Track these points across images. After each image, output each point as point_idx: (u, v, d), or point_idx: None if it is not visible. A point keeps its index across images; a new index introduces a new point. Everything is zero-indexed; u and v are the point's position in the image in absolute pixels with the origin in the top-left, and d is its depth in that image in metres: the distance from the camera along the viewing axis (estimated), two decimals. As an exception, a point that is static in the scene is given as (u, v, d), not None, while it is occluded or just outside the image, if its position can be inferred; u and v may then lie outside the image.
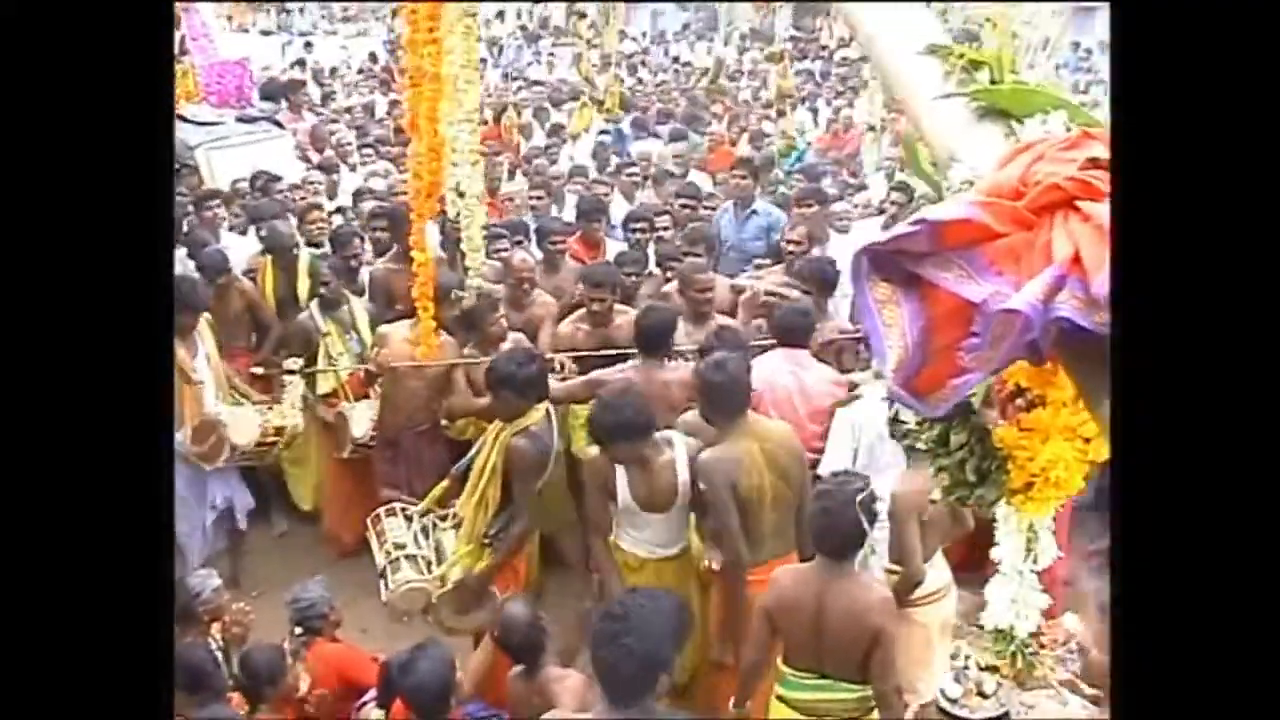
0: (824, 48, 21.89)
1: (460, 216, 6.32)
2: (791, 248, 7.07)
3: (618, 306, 6.37)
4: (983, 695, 3.97)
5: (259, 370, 6.93)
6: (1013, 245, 1.55)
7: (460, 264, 6.54)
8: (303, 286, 7.12)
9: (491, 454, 5.14)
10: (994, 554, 2.30)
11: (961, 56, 1.94)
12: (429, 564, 5.19)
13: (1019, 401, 1.87)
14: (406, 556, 5.20)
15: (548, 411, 5.18)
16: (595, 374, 5.68)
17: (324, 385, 6.82)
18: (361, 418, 6.46)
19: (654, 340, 5.56)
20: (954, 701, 3.91)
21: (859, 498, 4.02)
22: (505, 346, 5.97)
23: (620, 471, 4.80)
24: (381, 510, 5.49)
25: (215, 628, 4.85)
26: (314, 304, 6.82)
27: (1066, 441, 1.87)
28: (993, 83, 1.91)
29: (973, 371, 1.53)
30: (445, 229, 6.83)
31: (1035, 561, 2.26)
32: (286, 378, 6.79)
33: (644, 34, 24.43)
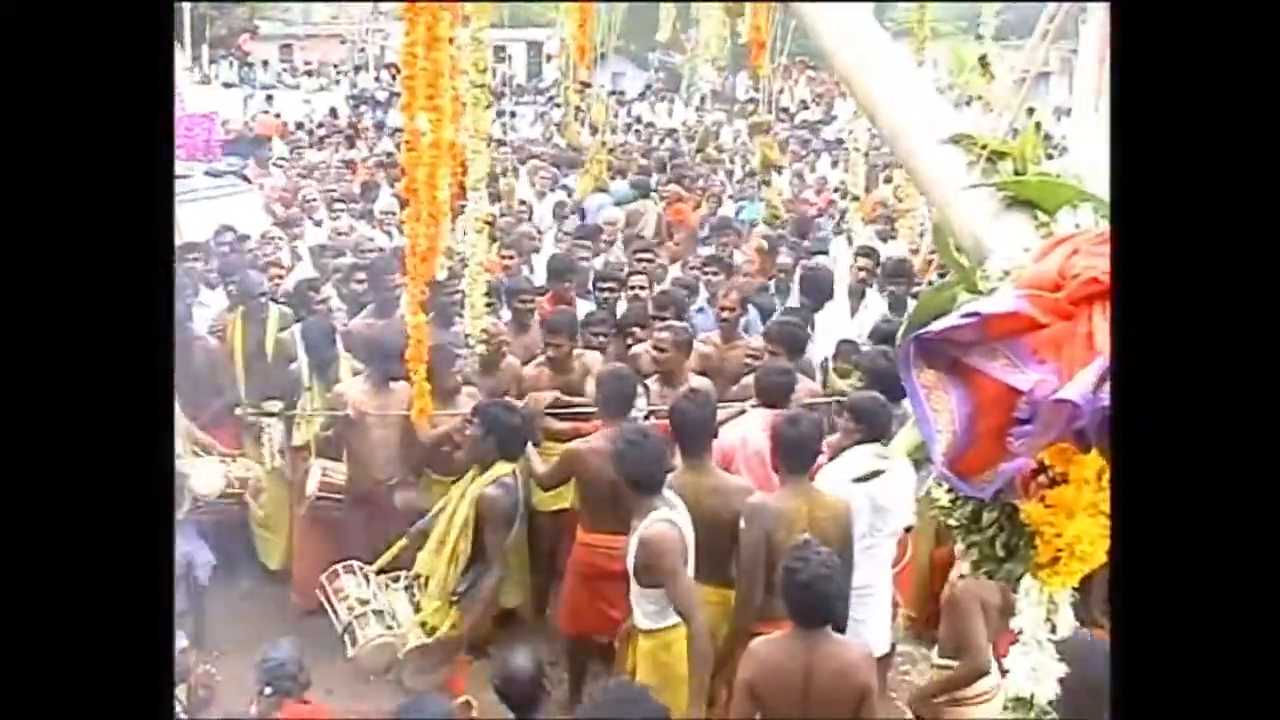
0: (784, 110, 22.23)
1: (465, 283, 6.43)
2: (724, 314, 7.17)
3: (581, 352, 6.53)
4: None
5: (239, 412, 6.86)
6: (1055, 335, 1.61)
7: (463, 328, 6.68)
8: (270, 342, 7.07)
9: (461, 506, 5.19)
10: (1014, 624, 2.33)
11: (985, 147, 1.99)
12: (393, 618, 5.20)
13: (1041, 479, 1.90)
14: (374, 612, 5.23)
15: (514, 470, 5.25)
16: (569, 450, 5.67)
17: (297, 438, 6.81)
18: (314, 475, 6.45)
19: (615, 403, 5.56)
20: None
21: (825, 569, 4.06)
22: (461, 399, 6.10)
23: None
24: (339, 567, 5.50)
25: (180, 690, 4.76)
26: (307, 360, 6.79)
27: (1090, 518, 1.90)
28: (1017, 174, 1.96)
29: (1021, 456, 1.58)
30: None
31: (1054, 631, 2.30)
32: (265, 424, 6.75)
33: (606, 91, 24.64)
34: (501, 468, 5.22)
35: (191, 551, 6.35)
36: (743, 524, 4.75)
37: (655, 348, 6.33)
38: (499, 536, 5.14)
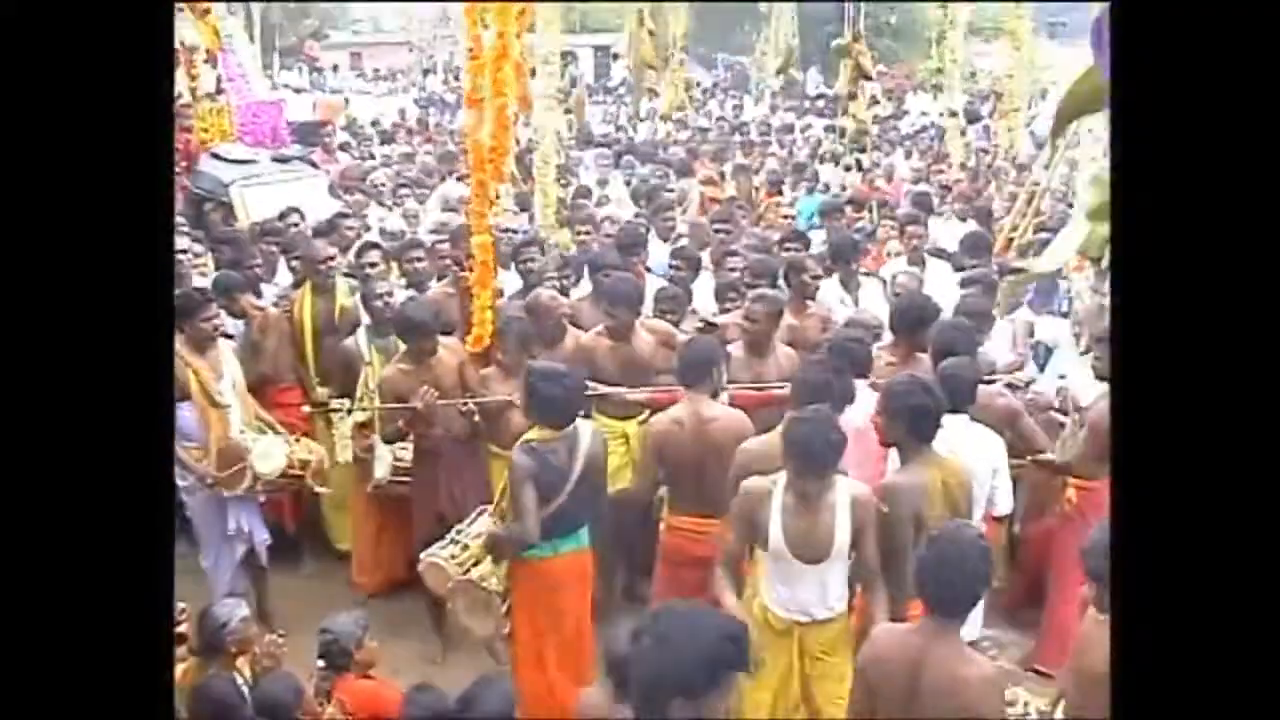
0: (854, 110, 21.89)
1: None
2: (806, 277, 6.92)
3: (650, 323, 6.32)
4: None
5: (307, 409, 6.73)
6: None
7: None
8: (338, 312, 6.95)
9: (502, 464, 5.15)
10: None
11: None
12: (465, 552, 5.23)
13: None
14: (454, 540, 5.31)
15: (569, 442, 5.03)
16: (649, 426, 5.46)
17: (360, 415, 6.59)
18: (384, 459, 6.33)
19: (696, 371, 5.30)
20: None
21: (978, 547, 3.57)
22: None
23: (778, 504, 4.38)
24: (481, 507, 5.54)
25: (243, 660, 4.61)
26: (361, 331, 6.64)
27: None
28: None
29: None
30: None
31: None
32: (334, 414, 6.59)
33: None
34: (537, 433, 5.00)
35: (253, 530, 6.21)
36: (885, 508, 4.42)
37: (747, 317, 6.08)
38: (522, 500, 4.91)
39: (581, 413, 5.31)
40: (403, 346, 6.17)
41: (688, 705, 2.70)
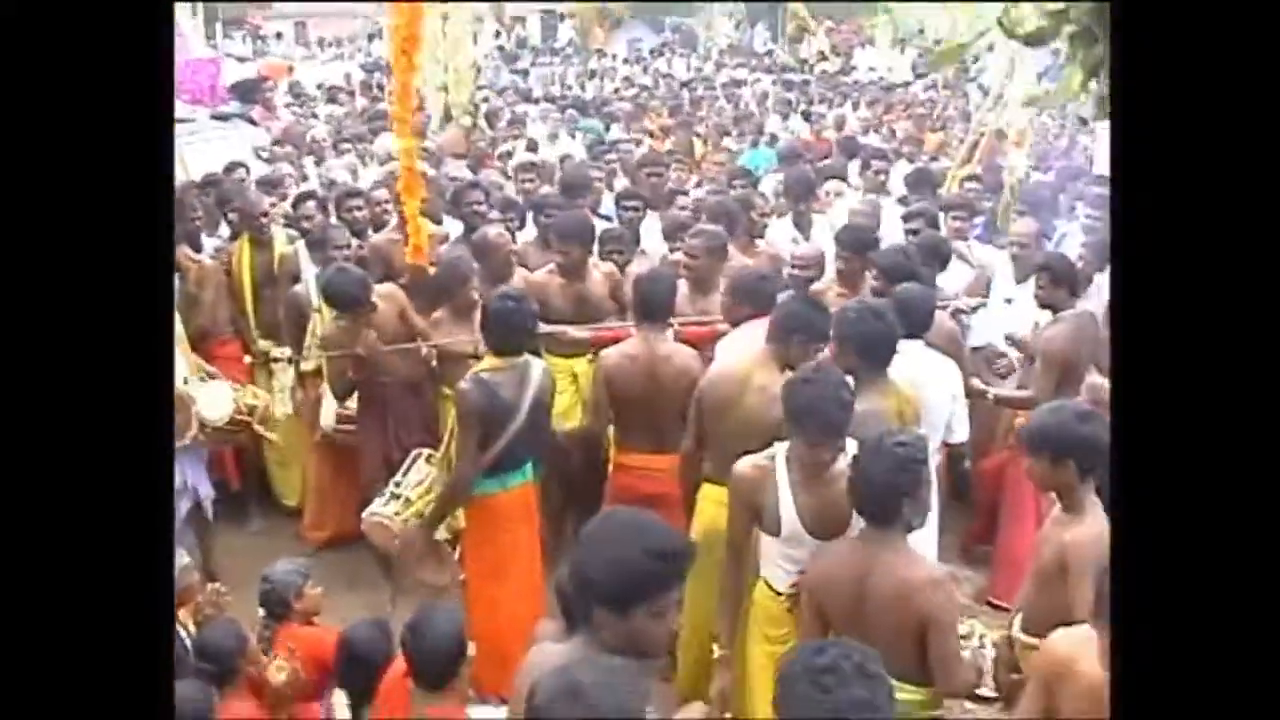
0: (803, 61, 21.91)
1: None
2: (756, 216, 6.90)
3: (598, 263, 6.23)
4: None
5: (249, 361, 6.64)
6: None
7: None
8: (276, 261, 6.83)
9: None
10: None
11: None
12: (408, 505, 5.07)
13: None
14: (394, 494, 5.15)
15: (519, 374, 4.93)
16: (601, 358, 5.32)
17: (307, 365, 6.54)
18: (329, 407, 6.24)
19: (653, 306, 5.19)
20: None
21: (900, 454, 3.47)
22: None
23: (784, 481, 3.91)
24: (416, 452, 5.39)
25: (184, 612, 4.50)
26: (312, 278, 6.48)
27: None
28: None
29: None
30: None
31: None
32: (275, 364, 6.49)
33: (616, 56, 24.37)
34: (489, 363, 4.92)
35: (197, 484, 6.07)
36: None
37: (688, 254, 6.01)
38: (467, 435, 4.81)
39: (531, 349, 5.23)
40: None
41: (611, 615, 2.58)
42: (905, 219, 6.91)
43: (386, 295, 6.07)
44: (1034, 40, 8.12)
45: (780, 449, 3.93)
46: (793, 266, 6.18)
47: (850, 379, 4.32)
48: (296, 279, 6.65)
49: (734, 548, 4.09)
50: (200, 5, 18.09)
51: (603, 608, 2.59)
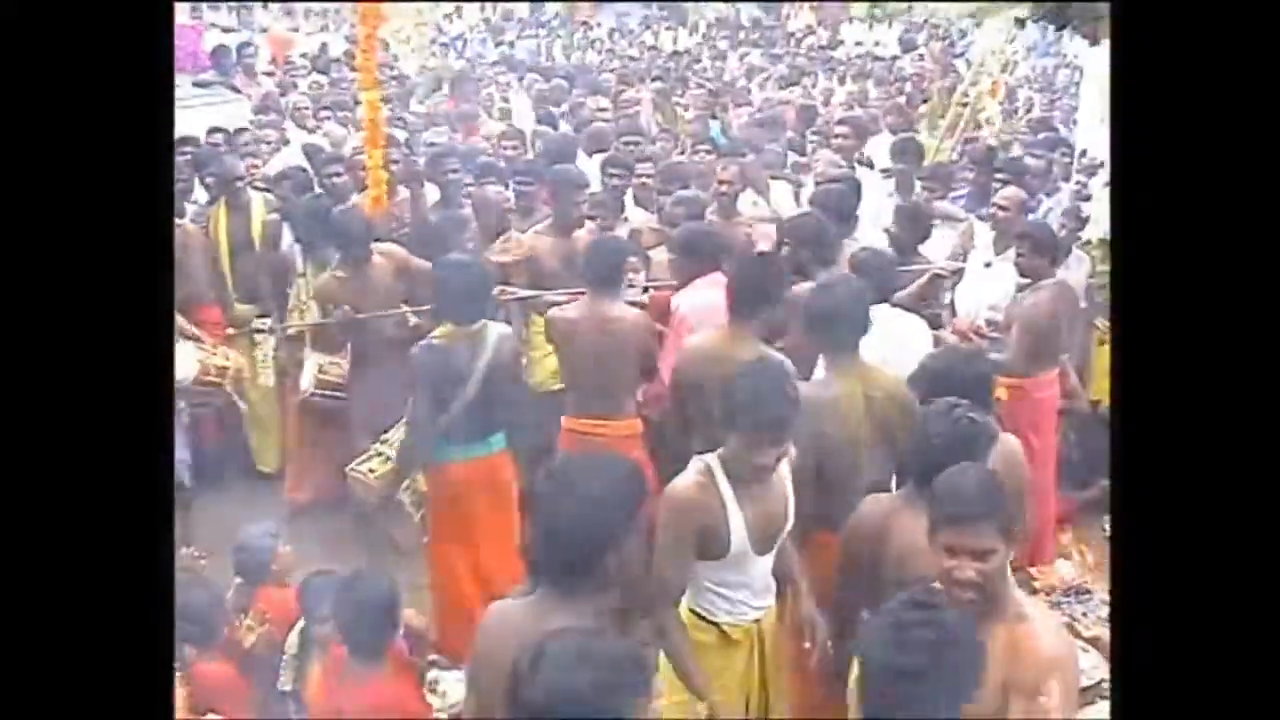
0: (791, 34, 21.82)
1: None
2: (724, 188, 6.74)
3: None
4: None
5: (231, 330, 6.60)
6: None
7: None
8: (256, 226, 6.80)
9: None
10: None
11: None
12: (385, 462, 5.12)
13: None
14: (377, 453, 5.20)
15: (473, 341, 4.90)
16: (548, 318, 5.31)
17: (291, 330, 6.55)
18: (309, 371, 6.23)
19: (603, 271, 5.13)
20: None
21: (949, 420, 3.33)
22: None
23: (729, 495, 3.45)
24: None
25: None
26: (296, 244, 6.49)
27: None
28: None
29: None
30: None
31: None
32: (257, 334, 6.49)
33: (610, 30, 24.27)
34: (443, 329, 4.92)
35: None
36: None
37: (666, 221, 6.02)
38: (421, 399, 4.80)
39: (496, 315, 5.24)
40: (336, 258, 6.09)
41: (579, 566, 2.55)
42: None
43: (385, 252, 6.10)
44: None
45: (712, 459, 3.49)
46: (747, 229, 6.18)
47: (821, 359, 4.31)
48: (277, 247, 6.61)
49: (669, 583, 3.48)
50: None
51: (571, 559, 2.57)
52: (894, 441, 3.92)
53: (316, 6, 33.90)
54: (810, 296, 4.32)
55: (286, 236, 6.68)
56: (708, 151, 8.14)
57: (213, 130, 8.36)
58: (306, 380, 6.25)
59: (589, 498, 2.56)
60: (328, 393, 6.21)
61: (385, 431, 5.31)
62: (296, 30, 25.56)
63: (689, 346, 4.63)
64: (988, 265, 6.21)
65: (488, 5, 24.86)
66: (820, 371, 4.33)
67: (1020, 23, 11.24)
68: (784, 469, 3.57)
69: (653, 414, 5.15)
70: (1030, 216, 6.64)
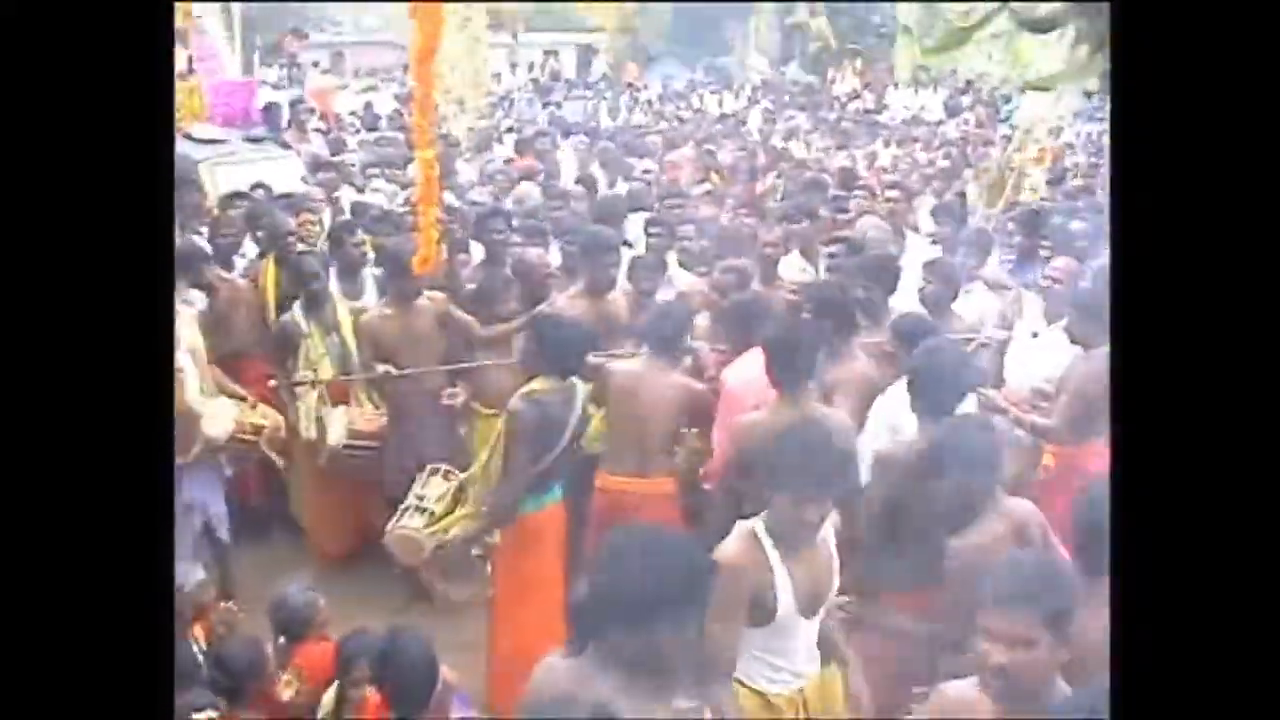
0: (835, 98, 21.94)
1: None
2: (767, 250, 6.85)
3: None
4: None
5: (273, 384, 6.58)
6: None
7: None
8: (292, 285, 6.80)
9: (489, 422, 4.94)
10: None
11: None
12: (435, 520, 5.02)
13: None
14: (419, 508, 5.12)
15: (567, 395, 4.91)
16: (606, 366, 5.34)
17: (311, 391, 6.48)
18: (337, 423, 6.19)
19: (668, 333, 5.20)
20: None
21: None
22: None
23: (775, 559, 3.40)
24: (429, 467, 5.37)
25: (198, 628, 4.49)
26: (297, 304, 6.53)
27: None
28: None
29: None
30: None
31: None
32: (299, 391, 6.44)
33: (658, 95, 24.50)
34: (540, 383, 4.89)
35: (207, 502, 6.03)
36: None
37: (715, 287, 6.04)
38: (521, 454, 4.78)
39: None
40: (342, 318, 6.25)
41: (635, 634, 2.49)
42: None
43: (431, 298, 6.19)
44: (1043, 27, 8.17)
45: (756, 523, 3.45)
46: (791, 294, 6.18)
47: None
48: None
49: (722, 652, 3.35)
50: (237, 41, 18.29)
51: (621, 624, 2.52)
52: None
53: (366, 66, 34.56)
54: (915, 357, 4.37)
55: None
56: (748, 215, 8.14)
57: (256, 185, 8.44)
58: (336, 434, 6.19)
59: (650, 570, 2.51)
60: (361, 443, 6.19)
61: (414, 484, 5.29)
62: (345, 87, 26.00)
63: (746, 421, 4.63)
64: (1035, 335, 6.14)
65: (535, 66, 25.24)
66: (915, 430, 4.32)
67: (1089, 95, 11.23)
68: (829, 531, 3.54)
69: (712, 487, 5.11)
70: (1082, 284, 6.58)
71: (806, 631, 3.56)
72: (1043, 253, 7.18)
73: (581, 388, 5.06)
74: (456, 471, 5.35)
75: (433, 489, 5.22)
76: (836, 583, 3.56)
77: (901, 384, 4.57)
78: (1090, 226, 8.04)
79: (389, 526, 5.19)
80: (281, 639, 4.47)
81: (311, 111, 12.70)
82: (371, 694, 3.87)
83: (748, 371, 5.04)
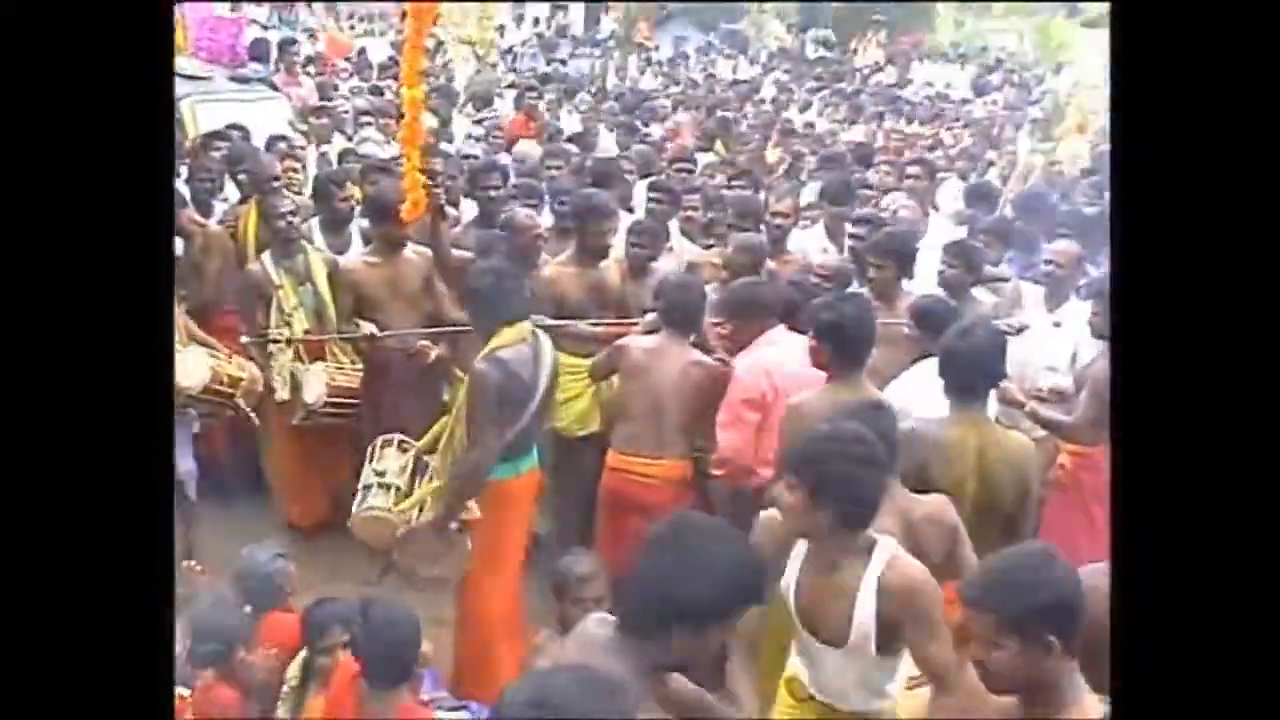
0: (857, 70, 21.41)
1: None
2: (777, 220, 6.60)
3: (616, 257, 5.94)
4: None
5: (245, 340, 6.20)
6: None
7: None
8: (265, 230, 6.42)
9: (462, 387, 4.66)
10: None
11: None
12: (403, 497, 4.71)
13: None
14: (381, 485, 4.79)
15: (532, 344, 4.60)
16: (620, 344, 5.11)
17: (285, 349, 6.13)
18: (316, 380, 5.84)
19: (686, 310, 4.95)
20: None
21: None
22: None
23: (797, 549, 3.28)
24: (380, 440, 5.01)
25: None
26: (266, 253, 6.13)
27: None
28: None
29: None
30: None
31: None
32: (273, 348, 6.08)
33: (668, 57, 23.98)
34: (501, 339, 4.53)
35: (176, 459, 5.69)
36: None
37: (726, 266, 5.80)
38: (486, 418, 4.46)
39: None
40: (315, 265, 5.95)
41: (689, 631, 2.45)
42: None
43: (418, 252, 5.86)
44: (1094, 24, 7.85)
45: (774, 513, 3.27)
46: (814, 276, 5.83)
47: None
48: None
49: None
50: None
51: (678, 623, 2.44)
52: (998, 507, 3.97)
53: (361, 9, 33.90)
54: (947, 339, 4.19)
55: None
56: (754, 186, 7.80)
57: (232, 126, 8.03)
58: (315, 392, 5.85)
59: (700, 577, 2.45)
60: (342, 400, 5.87)
61: (372, 460, 4.95)
62: (341, 30, 25.43)
63: (794, 404, 4.33)
64: (1057, 325, 5.80)
65: (541, 21, 24.62)
66: (946, 411, 4.18)
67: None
68: (870, 576, 3.17)
69: (724, 477, 4.85)
70: (1098, 271, 6.26)
71: (838, 661, 3.33)
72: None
73: (546, 340, 4.78)
74: (411, 441, 5.02)
75: (391, 462, 4.89)
76: (855, 631, 3.22)
77: (919, 367, 4.51)
78: (1099, 208, 7.73)
79: (353, 510, 4.85)
80: (248, 607, 4.29)
81: (299, 57, 12.19)
82: (342, 663, 3.72)
83: (765, 358, 4.82)
